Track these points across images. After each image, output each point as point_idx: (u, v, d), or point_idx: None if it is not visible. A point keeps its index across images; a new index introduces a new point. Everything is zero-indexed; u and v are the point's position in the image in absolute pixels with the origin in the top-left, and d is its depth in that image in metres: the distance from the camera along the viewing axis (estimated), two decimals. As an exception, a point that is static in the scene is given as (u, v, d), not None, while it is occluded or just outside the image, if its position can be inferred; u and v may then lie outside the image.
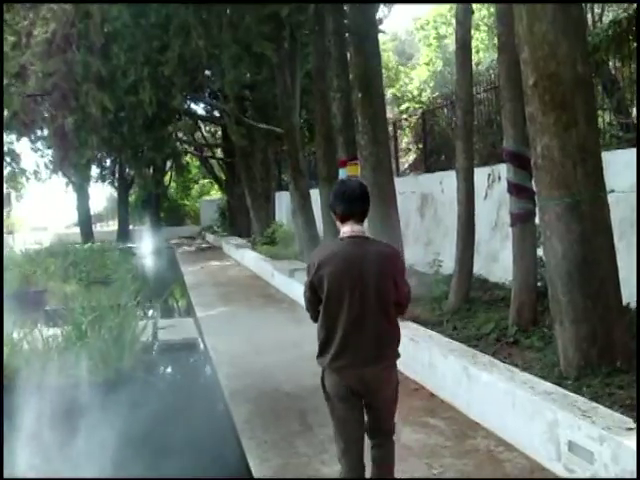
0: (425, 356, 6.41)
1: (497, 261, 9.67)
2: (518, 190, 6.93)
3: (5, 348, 7.36)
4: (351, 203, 3.54)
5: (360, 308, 3.45)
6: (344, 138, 11.49)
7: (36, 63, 12.86)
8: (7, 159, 35.89)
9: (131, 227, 39.61)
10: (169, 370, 8.49)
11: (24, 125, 18.81)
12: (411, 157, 18.31)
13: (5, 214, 49.05)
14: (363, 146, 9.77)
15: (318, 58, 13.06)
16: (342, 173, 11.56)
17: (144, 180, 25.70)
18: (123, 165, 34.03)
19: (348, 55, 10.83)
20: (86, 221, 36.79)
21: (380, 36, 11.84)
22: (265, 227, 21.25)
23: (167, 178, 41.35)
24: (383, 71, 24.69)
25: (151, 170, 29.67)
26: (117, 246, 28.35)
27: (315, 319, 3.66)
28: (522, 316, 6.79)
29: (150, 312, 11.20)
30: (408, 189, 12.96)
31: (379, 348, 3.51)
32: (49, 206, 68.87)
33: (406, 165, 18.03)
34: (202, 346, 9.14)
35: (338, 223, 3.63)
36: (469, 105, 7.99)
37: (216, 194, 42.53)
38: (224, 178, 32.82)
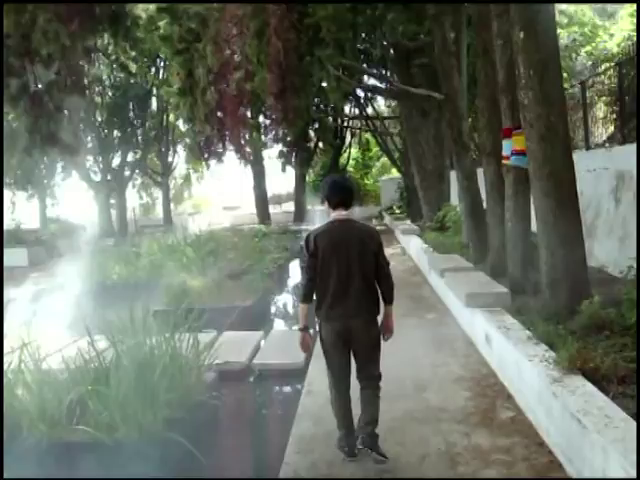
0: (597, 455, 3.72)
1: None
2: None
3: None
4: (342, 194, 4.68)
5: (346, 273, 4.55)
6: (508, 100, 8.70)
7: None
8: (187, 140, 35.97)
9: (309, 208, 38.32)
10: (221, 426, 6.20)
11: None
12: (611, 127, 14.80)
13: (186, 194, 50.23)
14: (527, 107, 7.05)
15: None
16: (507, 146, 8.83)
17: (284, 157, 23.70)
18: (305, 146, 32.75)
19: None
20: (262, 201, 35.98)
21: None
22: (436, 210, 18.68)
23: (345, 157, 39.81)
24: (576, 29, 21.06)
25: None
26: (283, 229, 27.04)
27: (306, 297, 4.67)
28: None
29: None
30: (598, 165, 9.88)
31: (360, 305, 4.60)
32: (240, 186, 69.70)
33: (604, 137, 14.57)
34: (303, 377, 6.92)
35: (329, 209, 4.70)
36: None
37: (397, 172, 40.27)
38: (398, 155, 30.50)
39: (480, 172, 11.90)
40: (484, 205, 11.89)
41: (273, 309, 12.76)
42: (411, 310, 9.81)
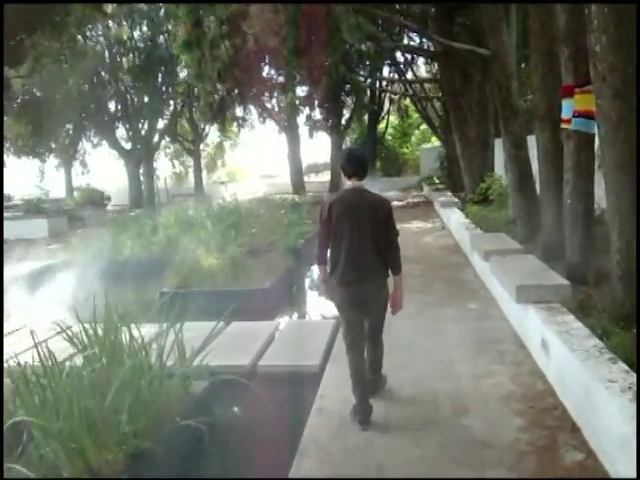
0: None
1: None
2: None
3: None
4: (357, 165, 4.84)
5: (358, 240, 4.70)
6: (570, 51, 7.26)
7: None
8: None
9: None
10: (200, 462, 4.81)
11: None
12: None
13: (219, 163, 49.05)
14: (599, 55, 5.64)
15: None
16: (567, 107, 7.44)
17: (312, 122, 22.04)
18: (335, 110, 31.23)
19: None
20: (296, 170, 34.65)
21: None
22: (479, 181, 17.22)
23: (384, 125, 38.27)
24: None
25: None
26: (317, 199, 25.71)
27: (321, 260, 4.97)
28: None
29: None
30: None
31: (371, 270, 4.75)
32: (277, 154, 68.46)
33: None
34: (317, 384, 5.66)
35: (345, 178, 4.87)
36: None
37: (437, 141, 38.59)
38: (438, 122, 28.91)
39: (530, 139, 10.50)
40: (534, 177, 10.52)
41: (294, 292, 11.49)
42: (449, 298, 8.49)
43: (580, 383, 4.39)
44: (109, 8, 20.83)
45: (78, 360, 4.85)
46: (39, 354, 4.41)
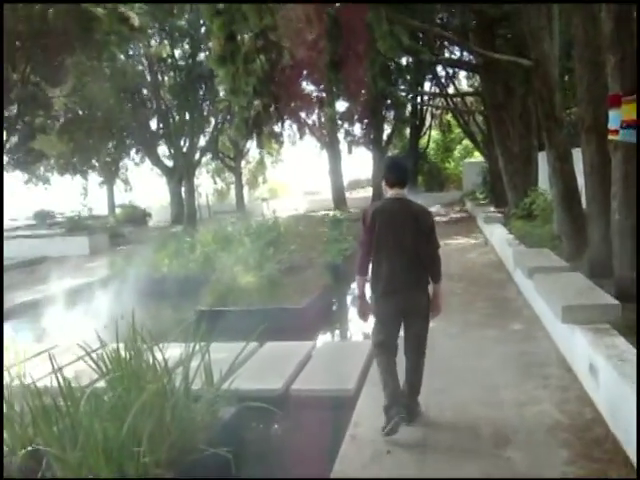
0: None
1: None
2: None
3: None
4: (399, 174, 4.90)
5: (400, 248, 4.71)
6: (617, 59, 6.93)
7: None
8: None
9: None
10: None
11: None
12: None
13: (260, 180, 49.13)
14: (648, 61, 5.31)
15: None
16: (614, 118, 7.08)
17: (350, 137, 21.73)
18: (376, 125, 30.97)
19: None
20: (338, 187, 34.40)
21: None
22: (522, 196, 16.79)
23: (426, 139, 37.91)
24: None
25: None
26: (359, 215, 25.56)
27: (362, 270, 4.88)
28: None
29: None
30: None
31: (414, 279, 4.74)
32: (319, 170, 68.48)
33: None
34: (351, 409, 5.40)
35: (386, 187, 4.90)
36: None
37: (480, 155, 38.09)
38: (480, 137, 28.48)
39: (575, 152, 10.14)
40: (580, 191, 10.14)
41: (333, 311, 11.24)
42: (491, 317, 8.17)
43: (633, 412, 4.05)
44: (135, 21, 20.70)
45: (102, 384, 4.69)
46: (57, 379, 4.25)
